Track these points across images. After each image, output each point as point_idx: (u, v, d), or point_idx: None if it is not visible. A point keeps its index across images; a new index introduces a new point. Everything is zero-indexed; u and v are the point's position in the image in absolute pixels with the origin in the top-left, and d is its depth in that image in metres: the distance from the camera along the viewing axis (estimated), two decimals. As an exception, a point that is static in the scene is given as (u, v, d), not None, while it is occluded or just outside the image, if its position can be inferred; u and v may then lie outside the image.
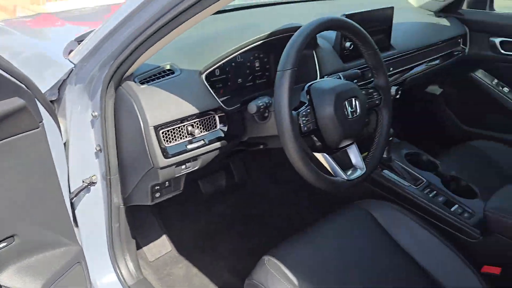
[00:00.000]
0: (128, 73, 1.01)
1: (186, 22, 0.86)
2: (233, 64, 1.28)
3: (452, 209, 1.34)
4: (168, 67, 1.11)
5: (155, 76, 1.08)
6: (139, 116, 0.99)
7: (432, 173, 1.48)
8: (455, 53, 2.03)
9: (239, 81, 1.33)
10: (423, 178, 1.43)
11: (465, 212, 1.33)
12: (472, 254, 1.26)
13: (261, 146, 1.24)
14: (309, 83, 1.11)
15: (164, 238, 1.64)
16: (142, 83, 1.05)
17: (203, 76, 1.12)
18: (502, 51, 2.02)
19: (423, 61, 1.82)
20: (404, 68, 1.70)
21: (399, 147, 1.61)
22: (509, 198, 1.28)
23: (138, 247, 1.54)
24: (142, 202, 1.18)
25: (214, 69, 1.18)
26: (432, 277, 1.20)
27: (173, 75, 1.08)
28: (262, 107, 1.06)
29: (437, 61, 1.93)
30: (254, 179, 1.93)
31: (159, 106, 1.01)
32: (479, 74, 2.13)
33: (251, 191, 1.92)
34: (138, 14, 0.89)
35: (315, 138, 1.08)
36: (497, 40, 2.01)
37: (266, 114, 1.11)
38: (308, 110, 1.03)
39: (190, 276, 1.55)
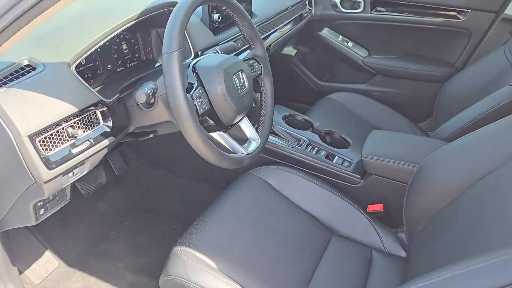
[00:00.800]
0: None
1: (50, 8, 0.73)
2: (98, 49, 1.14)
3: (334, 161, 1.46)
4: (26, 62, 0.93)
5: (12, 76, 0.90)
6: (6, 127, 0.82)
7: (309, 131, 1.58)
8: (305, 14, 2.16)
9: (108, 67, 1.20)
10: (303, 137, 1.52)
11: (345, 162, 1.46)
12: (357, 197, 1.41)
13: (151, 135, 1.16)
14: (193, 62, 1.06)
15: (48, 254, 1.45)
16: (-1, 86, 0.86)
17: (73, 68, 0.97)
18: (343, 9, 2.22)
19: (280, 25, 1.90)
20: (267, 34, 1.75)
21: (275, 111, 1.68)
22: (378, 142, 1.45)
23: (21, 272, 1.34)
24: (23, 223, 1.01)
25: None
26: (328, 224, 1.32)
27: (35, 72, 0.91)
28: (150, 94, 0.98)
29: (290, 25, 2.03)
30: (135, 168, 1.82)
31: (28, 111, 0.85)
32: (325, 32, 2.32)
33: (135, 182, 1.80)
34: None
35: (209, 119, 1.05)
36: (337, 0, 2.21)
37: (152, 101, 1.04)
38: (201, 91, 0.99)
39: (89, 287, 1.42)
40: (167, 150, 1.76)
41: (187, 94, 0.95)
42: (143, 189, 1.79)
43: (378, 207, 1.38)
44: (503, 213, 0.89)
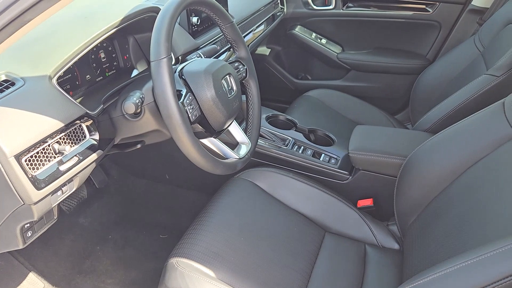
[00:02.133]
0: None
1: (32, 20, 0.68)
2: (76, 60, 1.09)
3: (321, 159, 1.46)
4: (3, 77, 0.88)
5: (-11, 93, 0.85)
6: (-11, 148, 0.77)
7: (293, 130, 1.57)
8: (277, 14, 2.16)
9: (87, 77, 1.15)
10: (288, 137, 1.51)
11: (332, 159, 1.46)
12: (346, 193, 1.42)
13: (138, 145, 1.12)
14: (179, 68, 1.03)
15: (31, 276, 1.38)
16: (-24, 105, 0.81)
17: (54, 81, 0.93)
18: (314, 7, 2.24)
19: (254, 26, 1.88)
20: (243, 35, 1.73)
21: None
22: (363, 137, 1.46)
23: (4, 298, 1.27)
24: (9, 248, 0.95)
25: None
26: (320, 222, 1.32)
27: (15, 87, 0.86)
28: (139, 103, 0.94)
29: (263, 25, 2.02)
30: (115, 179, 1.76)
31: (11, 129, 0.80)
32: (298, 30, 2.33)
33: (116, 193, 1.75)
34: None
35: (198, 125, 1.02)
36: (308, -3, 2.22)
37: (139, 110, 1.00)
38: (191, 98, 0.96)
39: (79, 307, 1.36)
40: (148, 159, 1.72)
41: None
42: (126, 200, 1.74)
43: (368, 202, 1.39)
44: (496, 201, 0.92)
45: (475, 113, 1.14)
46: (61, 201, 1.33)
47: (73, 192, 1.49)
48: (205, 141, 1.05)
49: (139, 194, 1.76)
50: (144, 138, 1.10)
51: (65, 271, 1.45)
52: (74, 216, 1.61)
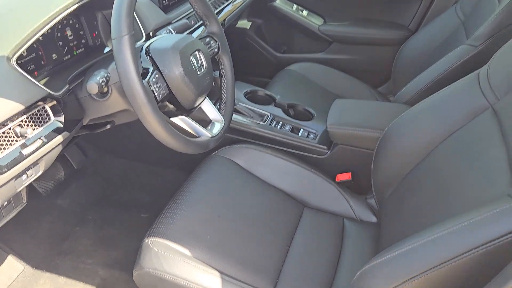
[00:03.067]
0: None
1: None
2: (40, 39, 1.05)
3: (299, 134, 1.44)
4: (-43, 59, 0.84)
5: None
6: None
7: (272, 105, 1.55)
8: (257, -15, 2.10)
9: (54, 57, 1.11)
10: (267, 113, 1.49)
11: (310, 134, 1.45)
12: (325, 168, 1.41)
13: (108, 126, 1.09)
14: (145, 45, 0.99)
15: (10, 259, 1.37)
16: None
17: (13, 61, 0.89)
18: (295, -23, 2.18)
19: (232, -2, 1.83)
20: (220, 8, 1.68)
21: (236, 89, 1.63)
22: (341, 111, 1.45)
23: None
24: None
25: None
26: (299, 197, 1.32)
27: None
28: (102, 83, 0.91)
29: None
30: (94, 159, 1.74)
31: (-33, 113, 0.77)
32: (279, 2, 2.27)
33: (95, 173, 1.73)
34: None
35: (168, 103, 1.00)
36: (288, -32, 2.15)
37: (106, 90, 0.97)
38: (157, 76, 0.93)
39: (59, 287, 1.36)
40: (126, 138, 1.69)
41: (143, 80, 0.89)
42: (105, 180, 1.72)
43: (346, 176, 1.39)
44: (469, 173, 0.91)
45: (451, 85, 1.12)
46: (33, 182, 1.31)
47: (47, 174, 1.47)
48: (176, 119, 1.03)
49: (117, 174, 1.75)
50: (113, 118, 1.07)
51: (44, 253, 1.45)
52: (51, 198, 1.59)
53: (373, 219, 1.31)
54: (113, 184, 1.73)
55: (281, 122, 1.47)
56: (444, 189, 0.94)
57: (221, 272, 1.02)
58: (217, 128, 1.11)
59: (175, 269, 1.00)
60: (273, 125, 1.46)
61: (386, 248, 0.79)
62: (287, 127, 1.46)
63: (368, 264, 0.79)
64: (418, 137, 1.13)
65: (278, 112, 1.51)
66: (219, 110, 1.17)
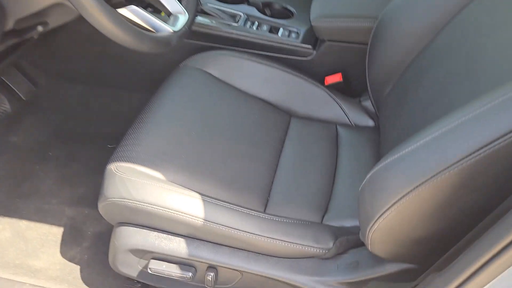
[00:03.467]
0: None
1: None
2: None
3: (279, 34, 1.25)
4: None
5: None
6: None
7: (245, 4, 1.34)
8: None
9: None
10: (239, 12, 1.28)
11: (292, 33, 1.26)
12: (311, 71, 1.24)
13: (40, 28, 0.87)
14: None
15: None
16: None
17: None
18: None
19: None
20: None
21: (201, -13, 1.40)
22: (326, 2, 1.25)
23: None
24: None
25: None
26: (284, 107, 1.17)
27: None
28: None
29: None
30: (45, 88, 1.51)
31: None
32: None
33: (50, 104, 1.51)
34: None
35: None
36: None
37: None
38: None
39: (22, 233, 1.20)
40: (78, 59, 1.45)
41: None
42: (62, 112, 1.51)
43: (336, 78, 1.22)
44: (486, 50, 0.75)
45: None
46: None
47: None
48: (123, 10, 0.81)
49: (76, 103, 1.53)
50: (45, 18, 0.84)
51: (2, 196, 1.28)
52: (2, 136, 1.39)
53: (370, 123, 1.17)
54: (73, 115, 1.52)
55: (256, 22, 1.27)
56: (459, 72, 0.79)
57: (202, 194, 0.86)
58: (180, 22, 0.90)
59: (145, 195, 0.84)
60: (247, 26, 1.25)
61: (395, 148, 0.63)
62: (264, 27, 1.26)
63: (380, 163, 0.63)
64: (420, 20, 0.98)
65: (252, 11, 1.31)
66: (181, 3, 0.95)
